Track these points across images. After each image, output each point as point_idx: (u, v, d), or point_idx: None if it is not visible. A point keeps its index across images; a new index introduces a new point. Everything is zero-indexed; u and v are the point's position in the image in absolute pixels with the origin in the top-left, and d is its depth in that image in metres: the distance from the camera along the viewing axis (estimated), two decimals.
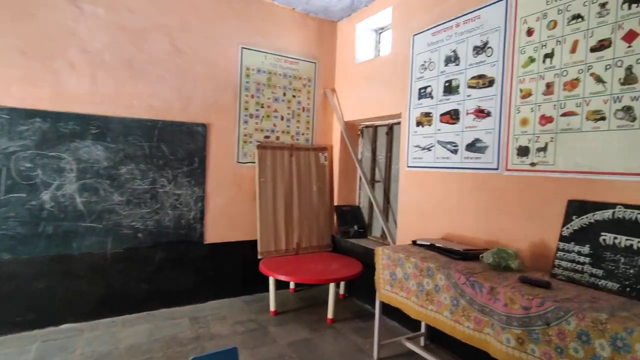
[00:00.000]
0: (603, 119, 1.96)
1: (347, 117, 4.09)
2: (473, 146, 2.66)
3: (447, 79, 2.85)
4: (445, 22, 2.87)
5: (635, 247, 1.78)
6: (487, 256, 2.18)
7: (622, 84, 1.89)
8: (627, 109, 1.88)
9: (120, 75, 3.15)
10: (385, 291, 2.56)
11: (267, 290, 3.45)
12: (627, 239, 1.82)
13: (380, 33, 4.00)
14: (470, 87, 2.67)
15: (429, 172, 3.01)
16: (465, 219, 2.70)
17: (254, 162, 3.80)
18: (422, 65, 3.07)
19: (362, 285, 3.63)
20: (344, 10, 3.94)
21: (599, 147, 1.98)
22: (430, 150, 3.00)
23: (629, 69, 1.87)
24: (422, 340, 2.89)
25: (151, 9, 3.26)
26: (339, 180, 4.20)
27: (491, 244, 2.48)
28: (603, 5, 1.97)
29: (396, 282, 2.47)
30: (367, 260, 3.47)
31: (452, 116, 2.81)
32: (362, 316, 3.40)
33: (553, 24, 2.19)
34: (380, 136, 4.00)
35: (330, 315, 3.24)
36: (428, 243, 2.61)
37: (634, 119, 1.85)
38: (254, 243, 3.74)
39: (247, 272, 3.77)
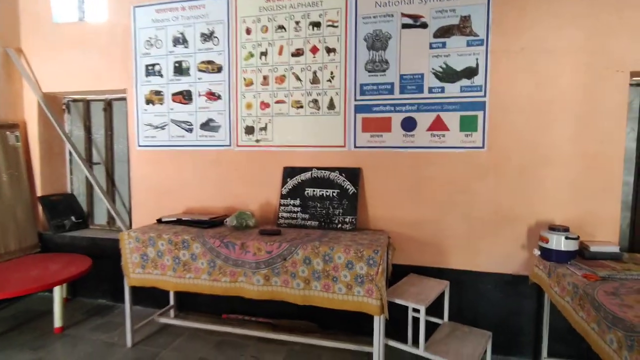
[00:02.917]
0: (302, 107, 2.72)
1: (46, 87, 3.35)
2: (207, 125, 2.93)
3: (177, 59, 2.94)
4: (170, 2, 2.92)
5: (324, 195, 2.66)
6: (231, 220, 2.57)
7: (312, 83, 2.68)
8: (315, 101, 2.70)
9: None
10: (137, 274, 2.49)
11: None
12: (320, 191, 2.67)
13: None
14: (200, 70, 2.90)
15: (164, 151, 3.05)
16: (205, 192, 2.98)
17: None
18: (148, 41, 3.00)
19: (91, 281, 3.24)
20: None
21: (300, 128, 2.74)
22: (164, 129, 3.03)
23: (315, 73, 2.68)
24: (172, 313, 3.00)
25: None
26: (40, 165, 3.42)
27: (230, 209, 2.90)
28: (297, 23, 2.68)
29: (149, 263, 2.45)
30: (96, 252, 3.16)
31: (184, 96, 2.96)
32: (98, 313, 3.08)
33: (265, 29, 2.75)
34: (95, 112, 3.55)
35: (58, 323, 2.74)
36: (174, 219, 2.72)
37: (319, 108, 2.69)
38: None
39: None
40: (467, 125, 2.43)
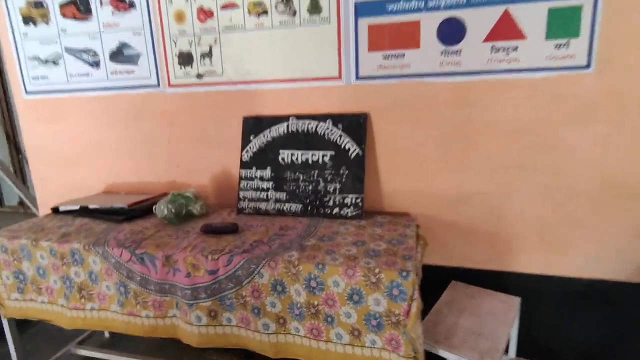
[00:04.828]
0: (265, 12, 1.60)
1: None
2: (120, 54, 1.84)
3: None
4: None
5: (310, 161, 1.64)
6: (160, 209, 1.58)
7: None
8: (287, 2, 1.57)
9: None
10: (14, 302, 1.57)
11: None
12: (302, 154, 1.65)
13: None
14: None
15: (65, 99, 1.98)
16: (130, 160, 1.97)
17: None
18: None
19: None
20: None
21: (265, 50, 1.65)
22: (57, 63, 1.94)
23: None
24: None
25: None
26: None
27: (168, 186, 1.91)
28: None
29: (28, 284, 1.52)
30: None
31: (78, 8, 1.83)
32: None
33: None
34: None
35: None
36: (76, 207, 1.74)
37: (294, 13, 1.58)
38: None
39: None
40: (561, 26, 1.34)
